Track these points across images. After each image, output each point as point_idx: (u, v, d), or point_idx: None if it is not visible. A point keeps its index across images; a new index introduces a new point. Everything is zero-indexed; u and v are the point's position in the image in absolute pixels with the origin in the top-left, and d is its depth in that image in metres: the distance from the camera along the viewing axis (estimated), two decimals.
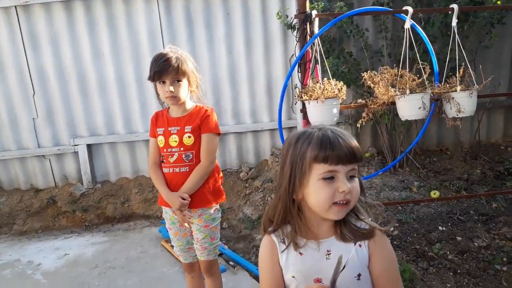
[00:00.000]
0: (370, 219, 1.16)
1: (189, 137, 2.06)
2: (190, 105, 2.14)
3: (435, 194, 3.71)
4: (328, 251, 1.13)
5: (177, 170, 2.09)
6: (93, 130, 4.53)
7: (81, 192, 4.47)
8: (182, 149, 2.06)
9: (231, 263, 3.16)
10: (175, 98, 2.02)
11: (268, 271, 1.19)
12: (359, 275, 1.11)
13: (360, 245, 1.12)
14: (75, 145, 4.47)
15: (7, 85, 4.35)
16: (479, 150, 4.46)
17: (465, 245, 3.02)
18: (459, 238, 3.11)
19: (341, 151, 1.04)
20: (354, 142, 1.08)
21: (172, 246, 3.43)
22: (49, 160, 4.54)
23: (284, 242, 1.17)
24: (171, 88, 1.98)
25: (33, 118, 4.43)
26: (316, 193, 1.07)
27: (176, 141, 2.07)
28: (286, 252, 1.16)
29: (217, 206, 2.21)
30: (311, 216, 1.14)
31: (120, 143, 4.57)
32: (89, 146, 4.52)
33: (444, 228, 3.27)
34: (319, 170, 1.06)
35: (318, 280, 1.12)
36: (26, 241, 4.06)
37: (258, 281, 2.92)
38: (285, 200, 1.13)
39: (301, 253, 1.14)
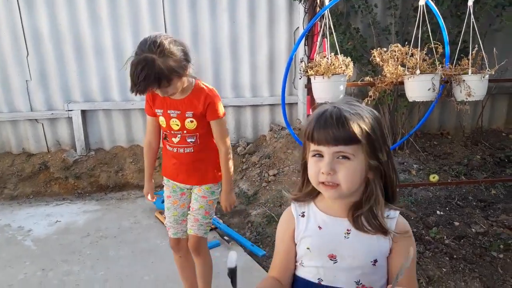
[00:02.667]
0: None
1: (191, 121, 1.95)
2: (188, 83, 1.93)
3: (434, 177, 3.66)
4: (348, 230, 1.09)
5: (181, 150, 2.02)
6: (88, 96, 4.40)
7: (74, 158, 4.38)
8: (185, 132, 1.97)
9: (225, 238, 3.11)
10: (171, 95, 1.89)
11: (281, 242, 1.20)
12: (375, 261, 1.07)
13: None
14: (69, 110, 4.35)
15: (0, 44, 4.18)
16: (480, 136, 4.41)
17: (462, 231, 2.99)
18: (456, 223, 3.08)
19: (325, 132, 1.02)
20: (350, 123, 1.01)
21: None
22: (42, 124, 4.43)
23: (303, 216, 1.16)
24: (162, 94, 1.85)
25: (26, 80, 4.29)
26: (309, 168, 1.09)
27: (178, 125, 1.96)
28: (306, 223, 1.15)
29: (219, 183, 2.16)
30: None
31: (115, 111, 4.45)
32: (83, 112, 4.40)
33: (442, 213, 3.23)
34: (310, 147, 1.07)
35: (332, 256, 1.09)
36: (16, 206, 3.99)
37: (253, 257, 2.89)
38: (302, 173, 1.15)
39: (320, 227, 1.12)
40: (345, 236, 1.09)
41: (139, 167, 4.37)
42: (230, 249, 2.99)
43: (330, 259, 1.09)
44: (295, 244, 1.16)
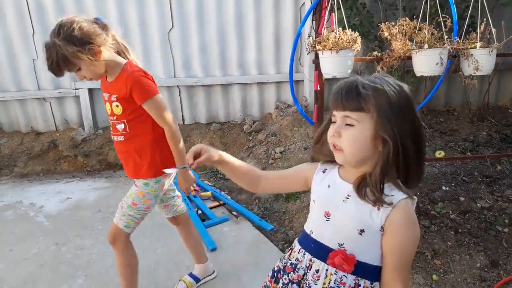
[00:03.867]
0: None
1: (117, 106, 1.83)
2: (116, 65, 1.84)
3: (440, 154, 3.68)
4: (348, 195, 1.11)
5: (115, 138, 1.93)
6: None
7: (82, 137, 4.42)
8: (115, 118, 1.87)
9: (234, 213, 3.17)
10: (92, 79, 1.83)
11: (295, 168, 1.31)
12: (362, 230, 1.07)
13: (378, 209, 1.05)
14: (76, 89, 4.37)
15: (6, 23, 4.18)
16: (486, 112, 4.40)
17: (467, 206, 3.02)
18: (462, 199, 3.11)
19: (337, 97, 1.07)
20: (360, 90, 1.03)
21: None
22: (50, 103, 4.46)
23: (324, 172, 1.22)
24: (78, 77, 1.80)
25: (33, 59, 4.31)
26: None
27: (109, 110, 1.88)
28: (321, 179, 1.21)
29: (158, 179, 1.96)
30: None
31: None
32: (90, 91, 4.42)
33: (447, 188, 3.26)
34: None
35: (327, 214, 1.14)
36: (27, 183, 4.05)
37: (261, 231, 2.95)
38: None
39: (329, 186, 1.17)
40: (343, 200, 1.11)
41: None
42: (239, 223, 3.05)
43: (325, 216, 1.15)
44: (305, 186, 1.26)
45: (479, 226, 2.83)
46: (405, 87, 1.08)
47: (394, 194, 1.05)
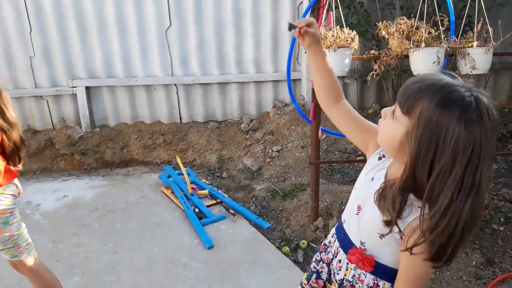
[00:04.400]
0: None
1: None
2: None
3: None
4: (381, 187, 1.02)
5: None
6: (92, 72, 4.41)
7: (79, 135, 4.41)
8: None
9: (231, 211, 3.17)
10: None
11: (373, 125, 1.20)
12: (382, 235, 1.00)
13: (400, 217, 0.95)
14: (73, 87, 4.36)
15: (3, 21, 4.16)
16: None
17: None
18: None
19: (398, 92, 0.96)
20: (414, 91, 0.90)
21: (173, 192, 3.46)
22: (47, 101, 4.45)
23: (379, 159, 1.11)
24: None
25: (30, 57, 4.29)
26: None
27: None
28: (372, 166, 1.11)
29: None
30: None
31: (119, 87, 4.46)
32: (87, 89, 4.41)
33: None
34: None
35: (359, 208, 1.09)
36: (24, 181, 4.04)
37: (258, 229, 2.96)
38: None
39: (372, 179, 1.08)
40: (375, 200, 1.01)
41: (144, 143, 4.41)
42: (236, 221, 3.06)
43: (357, 209, 1.11)
44: (364, 147, 1.20)
45: None
46: (494, 115, 0.85)
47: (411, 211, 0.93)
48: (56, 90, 4.38)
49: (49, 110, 4.48)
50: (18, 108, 4.46)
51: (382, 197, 0.96)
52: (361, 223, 1.09)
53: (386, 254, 1.04)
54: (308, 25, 1.16)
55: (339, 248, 1.17)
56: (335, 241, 1.20)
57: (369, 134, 1.17)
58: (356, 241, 1.11)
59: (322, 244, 1.28)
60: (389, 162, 1.07)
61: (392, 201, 0.92)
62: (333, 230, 1.25)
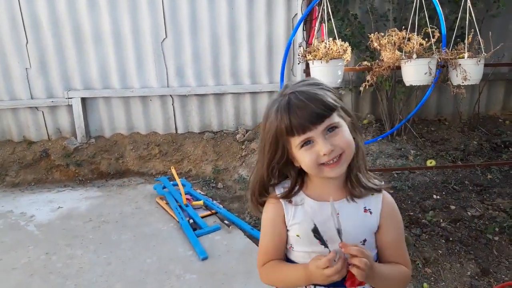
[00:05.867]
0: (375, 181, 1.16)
1: None
2: None
3: (431, 163, 3.71)
4: (336, 214, 1.06)
5: None
6: (88, 84, 4.42)
7: (74, 146, 4.41)
8: None
9: (225, 221, 3.16)
10: None
11: (272, 227, 1.16)
12: (364, 240, 1.10)
13: (370, 212, 1.11)
14: (69, 98, 4.37)
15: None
16: (477, 122, 4.45)
17: (458, 214, 3.04)
18: (452, 207, 3.14)
19: (303, 118, 0.99)
20: (320, 97, 1.00)
21: (167, 203, 3.45)
22: (42, 112, 4.45)
23: (290, 202, 1.13)
24: None
25: (26, 68, 4.30)
26: (302, 160, 1.06)
27: None
28: (294, 211, 1.13)
29: None
30: (317, 178, 1.11)
31: (115, 98, 4.47)
32: (83, 100, 4.42)
33: (438, 197, 3.28)
34: (294, 141, 1.04)
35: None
36: (18, 193, 4.03)
37: (252, 240, 2.94)
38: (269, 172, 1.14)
39: (308, 213, 1.12)
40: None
41: (139, 154, 4.41)
42: (230, 232, 3.05)
43: (321, 244, 1.08)
44: (287, 229, 1.15)
45: (469, 235, 2.85)
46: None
47: (375, 182, 1.14)
48: (52, 101, 4.39)
49: (45, 121, 4.49)
50: (14, 119, 4.47)
51: (361, 181, 1.13)
52: (338, 247, 1.05)
53: None
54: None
55: None
56: None
57: (280, 226, 1.16)
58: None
59: None
60: (300, 197, 1.14)
61: (360, 176, 1.13)
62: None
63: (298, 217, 1.12)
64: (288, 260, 1.18)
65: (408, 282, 1.20)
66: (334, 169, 1.03)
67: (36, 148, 4.44)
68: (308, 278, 1.06)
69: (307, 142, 1.02)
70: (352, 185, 1.10)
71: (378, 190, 1.13)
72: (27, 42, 4.22)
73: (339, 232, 1.00)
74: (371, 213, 1.11)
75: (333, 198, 1.06)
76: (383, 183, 1.15)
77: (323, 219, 1.06)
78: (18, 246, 2.97)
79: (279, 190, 1.16)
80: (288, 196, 1.13)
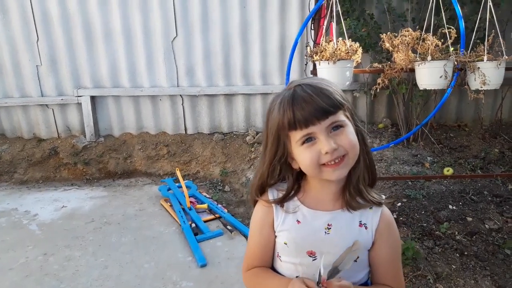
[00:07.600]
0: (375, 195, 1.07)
1: None
2: None
3: (448, 171, 3.52)
4: (329, 224, 1.02)
5: None
6: (97, 82, 4.38)
7: (83, 144, 4.38)
8: None
9: (228, 227, 3.05)
10: None
11: (259, 232, 1.11)
12: (357, 257, 1.02)
13: (366, 227, 1.02)
14: (78, 96, 4.34)
15: (11, 29, 4.19)
16: (499, 129, 4.22)
17: (475, 226, 2.86)
18: (469, 219, 2.95)
19: (308, 111, 0.92)
20: (327, 92, 0.93)
21: (171, 206, 3.37)
22: (52, 110, 4.44)
23: (282, 207, 1.07)
24: None
25: (37, 66, 4.29)
26: (301, 159, 0.97)
27: None
28: (284, 216, 1.06)
29: None
30: (315, 183, 1.04)
31: (125, 97, 4.42)
32: (92, 98, 4.39)
33: (454, 207, 3.10)
34: (294, 137, 0.96)
35: (311, 253, 1.02)
36: (25, 190, 4.01)
37: None
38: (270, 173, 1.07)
39: (298, 221, 1.04)
40: (325, 232, 1.02)
41: (147, 154, 4.34)
42: (233, 238, 2.94)
43: (309, 256, 1.02)
44: (275, 235, 1.09)
45: (486, 249, 2.67)
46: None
47: (374, 195, 1.04)
48: (62, 99, 4.37)
49: (55, 119, 4.47)
50: (24, 116, 4.46)
51: (359, 193, 1.04)
52: (328, 263, 0.99)
53: (358, 273, 1.06)
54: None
55: None
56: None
57: (272, 245, 1.12)
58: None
59: None
60: (294, 203, 1.07)
61: (361, 185, 1.03)
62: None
63: (287, 224, 1.06)
64: (274, 270, 1.12)
65: None
66: (335, 171, 0.95)
67: (45, 146, 4.43)
68: None
69: (308, 139, 0.94)
70: (351, 195, 1.01)
71: (378, 204, 1.03)
72: (37, 40, 4.21)
73: (337, 270, 0.94)
74: (366, 228, 1.02)
75: (328, 208, 1.03)
76: (383, 197, 1.05)
77: (313, 230, 1.02)
78: (18, 245, 2.93)
79: (271, 192, 1.09)
80: (282, 201, 1.07)
